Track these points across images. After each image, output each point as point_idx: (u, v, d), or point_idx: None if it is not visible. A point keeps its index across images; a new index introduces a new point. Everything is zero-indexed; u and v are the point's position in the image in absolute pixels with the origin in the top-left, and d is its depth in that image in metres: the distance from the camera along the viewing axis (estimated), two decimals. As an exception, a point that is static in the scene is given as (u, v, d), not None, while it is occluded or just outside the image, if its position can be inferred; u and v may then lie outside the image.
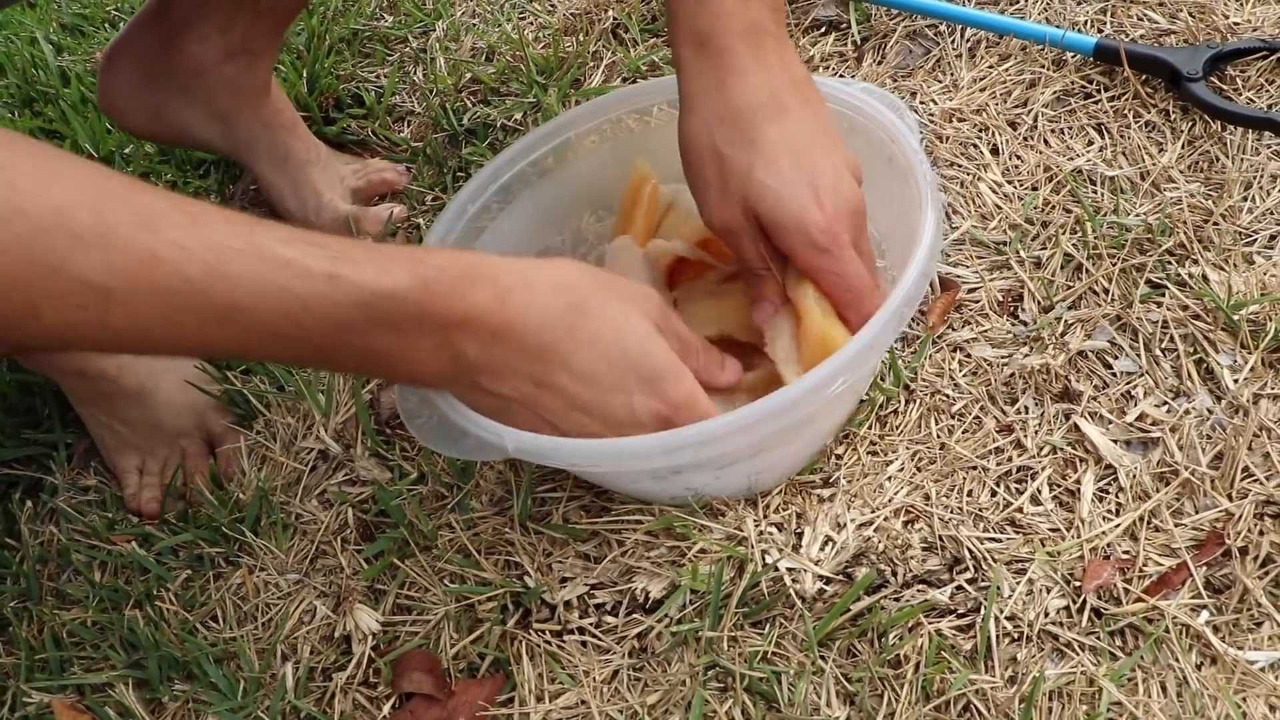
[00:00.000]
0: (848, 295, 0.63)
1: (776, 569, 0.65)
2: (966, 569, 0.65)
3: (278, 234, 0.50)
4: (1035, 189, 0.80)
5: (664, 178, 0.78)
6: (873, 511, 0.68)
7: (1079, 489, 0.67)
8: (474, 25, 1.06)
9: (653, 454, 0.59)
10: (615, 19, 1.02)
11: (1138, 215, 0.77)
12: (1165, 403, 0.70)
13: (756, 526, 0.67)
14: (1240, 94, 0.84)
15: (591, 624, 0.67)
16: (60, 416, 0.89)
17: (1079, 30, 0.88)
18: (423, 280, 0.54)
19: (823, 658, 0.62)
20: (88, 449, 0.87)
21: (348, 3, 1.14)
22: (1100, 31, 0.88)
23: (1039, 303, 0.76)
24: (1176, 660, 0.60)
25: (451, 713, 0.67)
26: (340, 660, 0.71)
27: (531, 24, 1.06)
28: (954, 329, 0.76)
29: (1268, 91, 0.84)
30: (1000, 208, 0.80)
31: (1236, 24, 0.88)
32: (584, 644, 0.66)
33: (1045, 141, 0.83)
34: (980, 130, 0.85)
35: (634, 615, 0.66)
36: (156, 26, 0.87)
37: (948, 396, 0.73)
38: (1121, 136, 0.82)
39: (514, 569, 0.71)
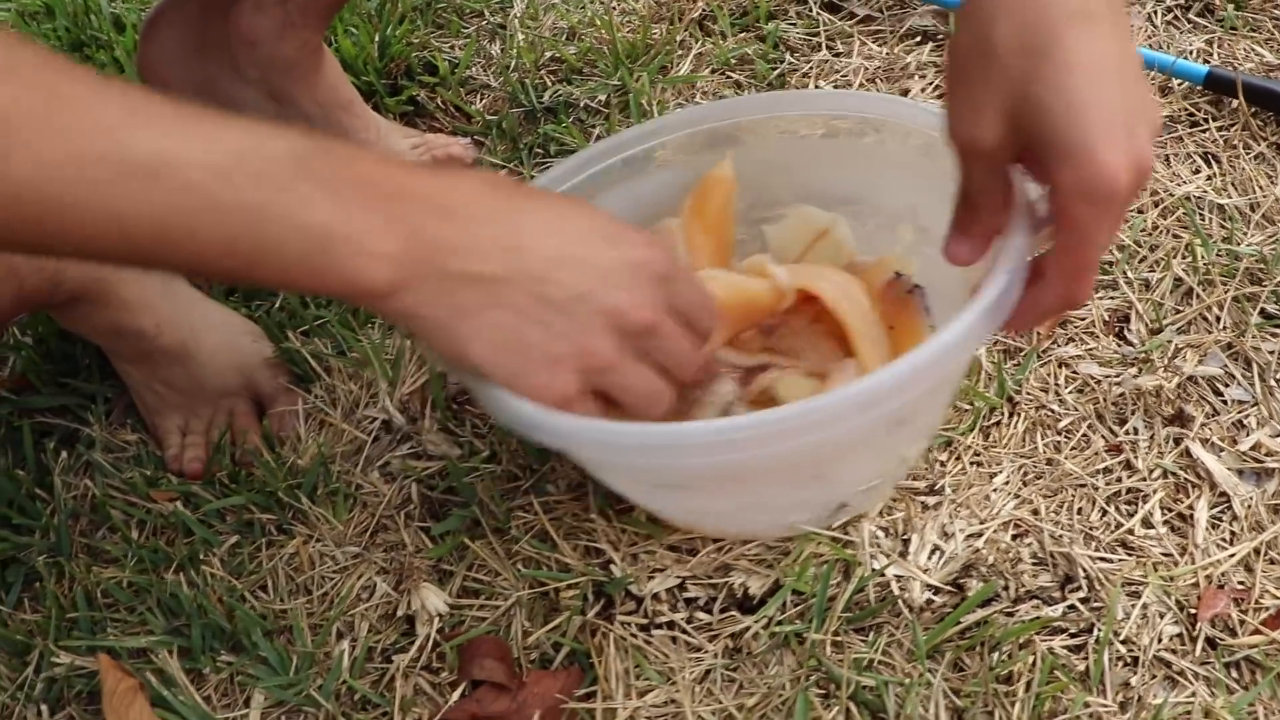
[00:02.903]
0: (1078, 270, 0.51)
1: (883, 575, 0.62)
2: (1079, 588, 0.62)
3: (196, 104, 0.45)
4: (1142, 212, 0.79)
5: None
6: (981, 523, 0.65)
7: (1192, 515, 0.65)
8: (555, 5, 1.04)
9: (714, 437, 0.50)
10: (705, 9, 1.00)
11: (1251, 245, 0.76)
12: None
13: (869, 526, 0.64)
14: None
15: (683, 619, 0.63)
16: (100, 368, 0.84)
17: (1185, 59, 0.87)
18: (350, 146, 0.49)
19: (930, 670, 0.59)
20: (128, 405, 0.83)
21: (418, -27, 1.11)
22: (1206, 62, 0.87)
23: (1147, 324, 0.74)
24: (1303, 697, 0.57)
25: (522, 704, 0.63)
26: (401, 642, 0.66)
27: (615, 9, 1.03)
28: (1058, 345, 0.74)
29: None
30: (1106, 227, 0.79)
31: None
32: (673, 640, 0.63)
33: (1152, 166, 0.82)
34: (1084, 149, 0.83)
35: (730, 613, 0.63)
36: None
37: (1053, 412, 0.70)
38: (1232, 167, 0.81)
39: (596, 556, 0.67)
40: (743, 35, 0.97)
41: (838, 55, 0.94)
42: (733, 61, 0.94)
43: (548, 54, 0.99)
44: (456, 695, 0.63)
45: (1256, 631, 0.60)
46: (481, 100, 0.98)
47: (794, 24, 0.97)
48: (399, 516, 0.72)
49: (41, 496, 0.77)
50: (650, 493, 0.63)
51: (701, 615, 0.63)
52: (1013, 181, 0.54)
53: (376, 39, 0.99)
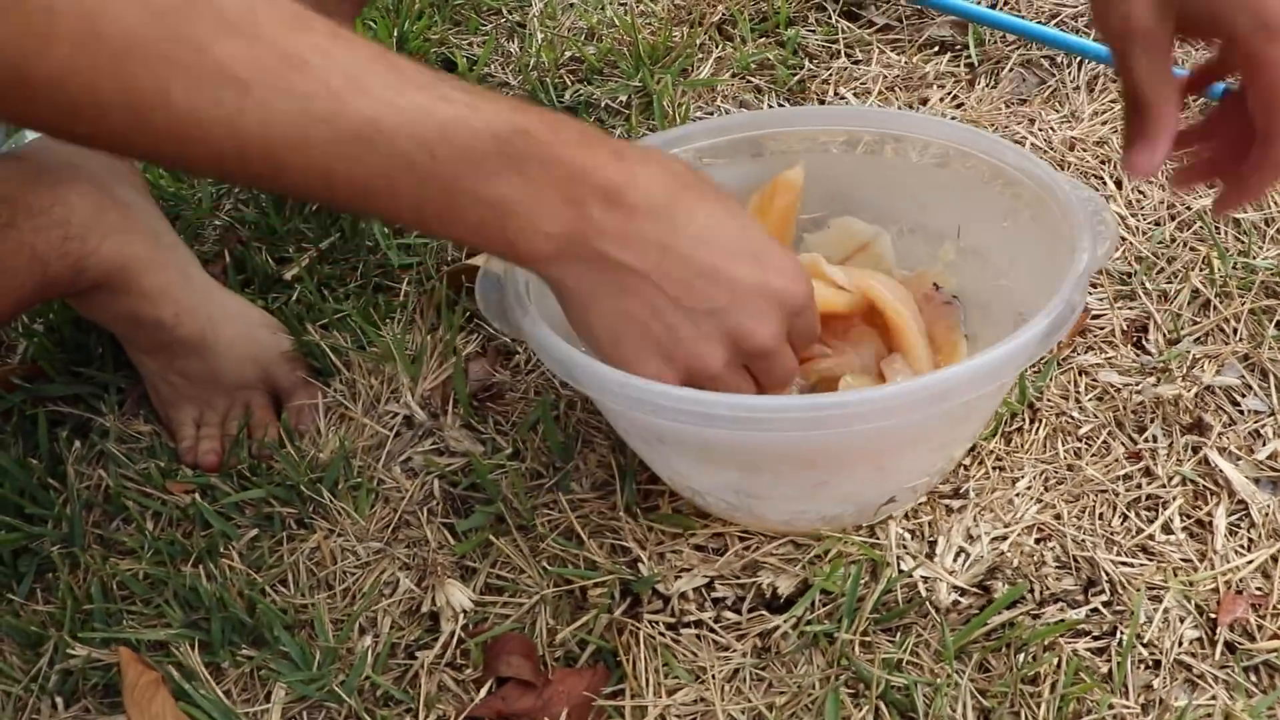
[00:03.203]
0: None
1: (911, 576, 0.63)
2: (1102, 591, 0.63)
3: (415, 64, 0.48)
4: (1159, 225, 0.80)
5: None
6: (1005, 526, 0.66)
7: (1211, 521, 0.66)
8: (574, 4, 1.04)
9: (792, 414, 0.53)
10: (725, 14, 1.01)
11: (1267, 258, 0.77)
12: (1295, 445, 0.69)
13: (896, 527, 0.64)
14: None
15: (710, 618, 0.63)
16: (114, 357, 0.83)
17: (1199, 75, 0.88)
18: (550, 124, 0.50)
19: (958, 671, 0.60)
20: (141, 395, 0.82)
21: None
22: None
23: (1165, 335, 0.75)
24: (1323, 702, 0.58)
25: (548, 701, 0.63)
26: (425, 638, 0.66)
27: (633, 11, 1.04)
28: (1078, 353, 0.75)
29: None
30: (1125, 239, 0.80)
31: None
32: (700, 638, 0.63)
33: (1169, 179, 0.83)
34: (1102, 162, 0.85)
35: (758, 612, 0.63)
36: None
37: (1074, 419, 0.71)
38: (1246, 180, 0.82)
39: (623, 555, 0.67)
40: (763, 40, 0.98)
41: (857, 63, 0.95)
42: (753, 66, 0.95)
43: (567, 53, 0.99)
44: (482, 693, 0.63)
45: (1275, 636, 0.61)
46: (499, 98, 0.98)
47: (813, 31, 0.98)
48: (421, 512, 0.72)
49: (54, 486, 0.76)
50: (698, 466, 0.63)
51: (729, 615, 0.63)
52: (1176, 79, 0.54)
53: (395, 34, 0.99)
